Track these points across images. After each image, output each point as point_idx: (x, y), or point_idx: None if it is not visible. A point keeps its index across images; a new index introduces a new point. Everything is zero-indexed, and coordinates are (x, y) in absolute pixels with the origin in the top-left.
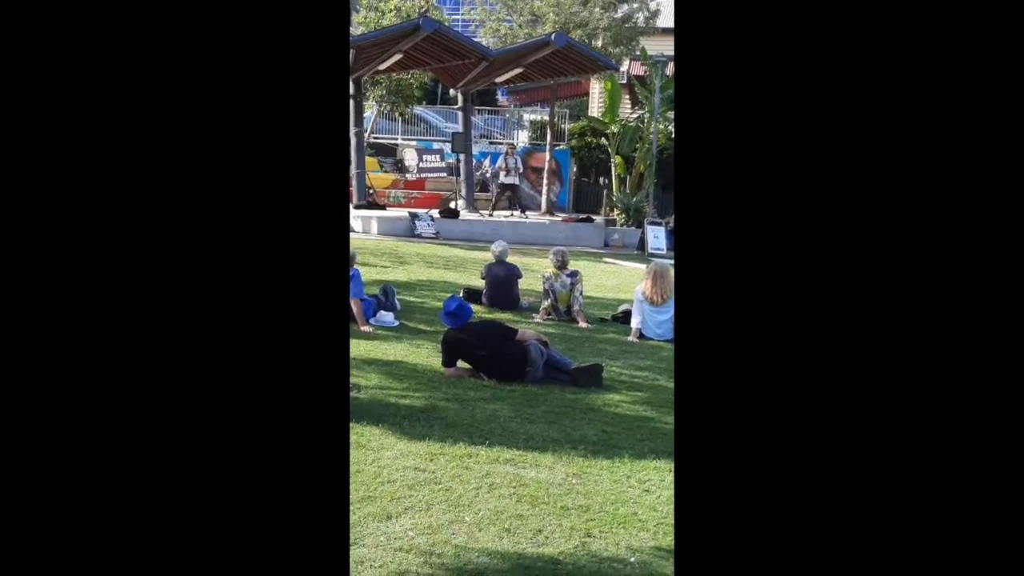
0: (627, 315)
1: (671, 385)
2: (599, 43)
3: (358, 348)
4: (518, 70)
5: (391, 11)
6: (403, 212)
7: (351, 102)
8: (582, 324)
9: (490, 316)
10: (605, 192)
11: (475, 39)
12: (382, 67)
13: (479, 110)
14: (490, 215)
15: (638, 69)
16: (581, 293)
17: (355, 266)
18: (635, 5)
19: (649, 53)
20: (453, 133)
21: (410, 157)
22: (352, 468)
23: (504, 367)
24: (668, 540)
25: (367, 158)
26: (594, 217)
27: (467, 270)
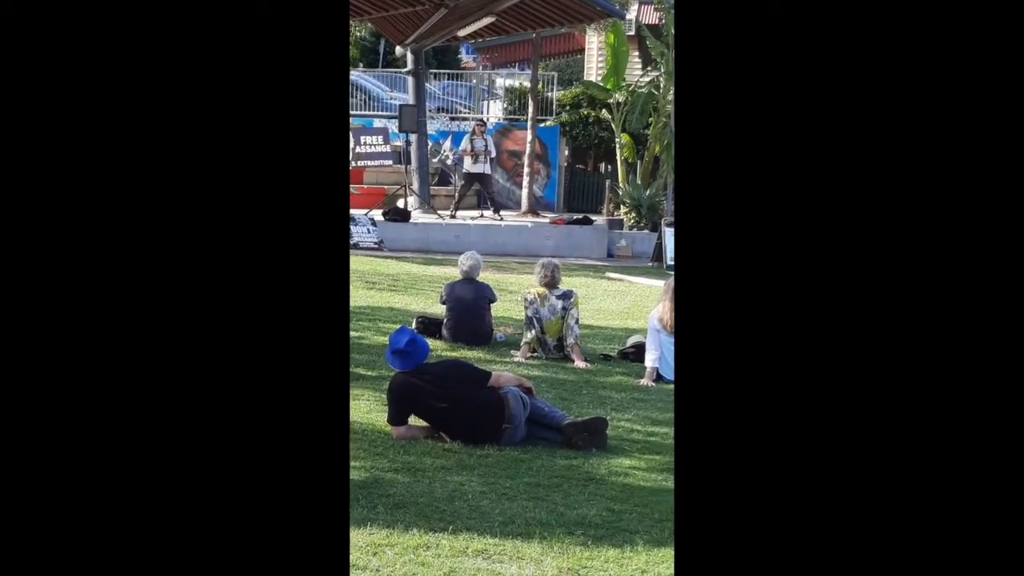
0: (639, 350)
1: None
2: None
3: None
4: (488, 19)
5: None
6: None
7: None
8: (579, 363)
9: (453, 355)
10: (608, 183)
11: None
12: None
13: (436, 74)
14: (452, 216)
15: (650, 16)
16: (577, 321)
17: None
18: None
19: None
20: (401, 106)
21: None
22: None
23: (473, 424)
24: None
25: None
26: (593, 217)
27: (421, 292)
